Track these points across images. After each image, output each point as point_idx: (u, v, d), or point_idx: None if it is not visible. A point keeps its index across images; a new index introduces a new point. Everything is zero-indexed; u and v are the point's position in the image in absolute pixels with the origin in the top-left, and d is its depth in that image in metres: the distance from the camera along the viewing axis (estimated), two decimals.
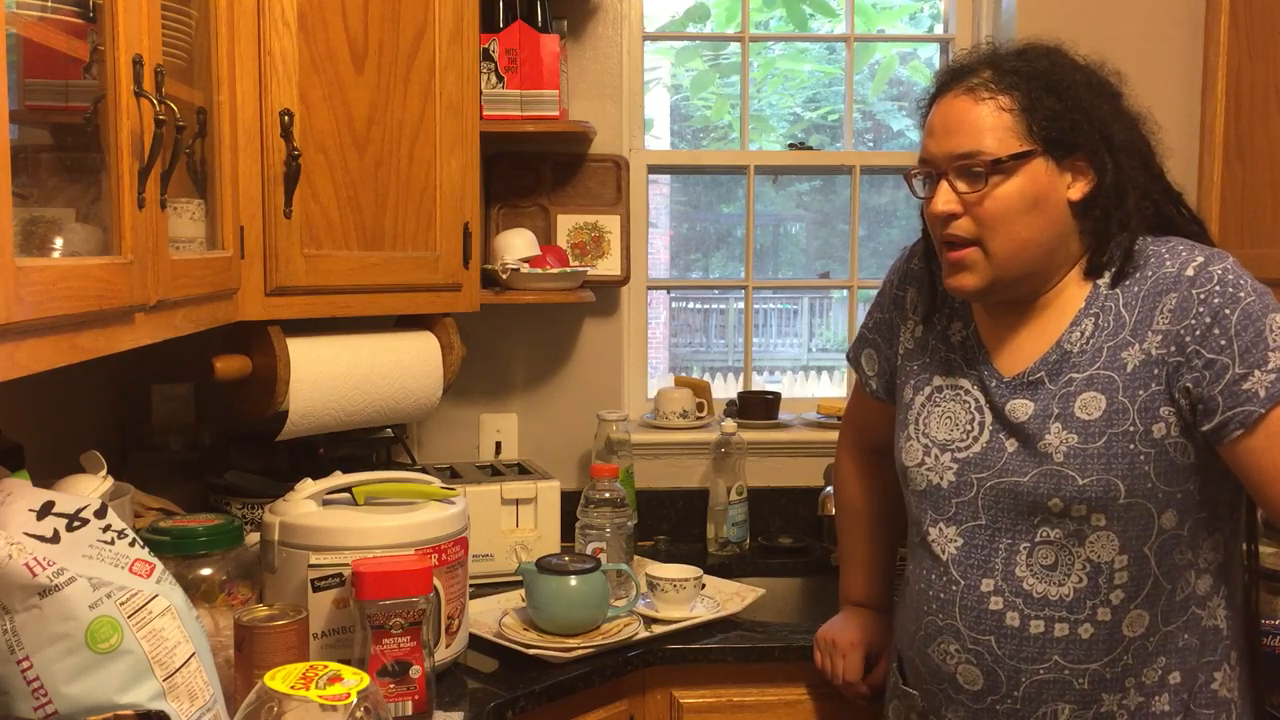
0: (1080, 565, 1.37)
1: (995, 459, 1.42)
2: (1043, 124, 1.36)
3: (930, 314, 1.56)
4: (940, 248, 1.44)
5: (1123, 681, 1.38)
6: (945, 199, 1.38)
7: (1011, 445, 1.41)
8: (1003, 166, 1.35)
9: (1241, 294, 1.31)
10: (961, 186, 1.38)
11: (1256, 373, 1.29)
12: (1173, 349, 1.33)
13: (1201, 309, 1.32)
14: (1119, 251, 1.39)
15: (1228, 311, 1.31)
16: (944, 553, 1.45)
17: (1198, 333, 1.31)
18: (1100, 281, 1.40)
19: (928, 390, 1.52)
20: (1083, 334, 1.40)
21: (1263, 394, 1.29)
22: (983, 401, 1.45)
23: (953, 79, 1.42)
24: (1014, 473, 1.40)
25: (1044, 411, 1.39)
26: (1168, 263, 1.37)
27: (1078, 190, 1.39)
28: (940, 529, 1.46)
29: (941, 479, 1.46)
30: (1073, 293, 1.42)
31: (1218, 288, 1.32)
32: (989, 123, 1.36)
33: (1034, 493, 1.38)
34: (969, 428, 1.46)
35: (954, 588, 1.44)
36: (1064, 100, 1.37)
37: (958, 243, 1.40)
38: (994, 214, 1.36)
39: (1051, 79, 1.38)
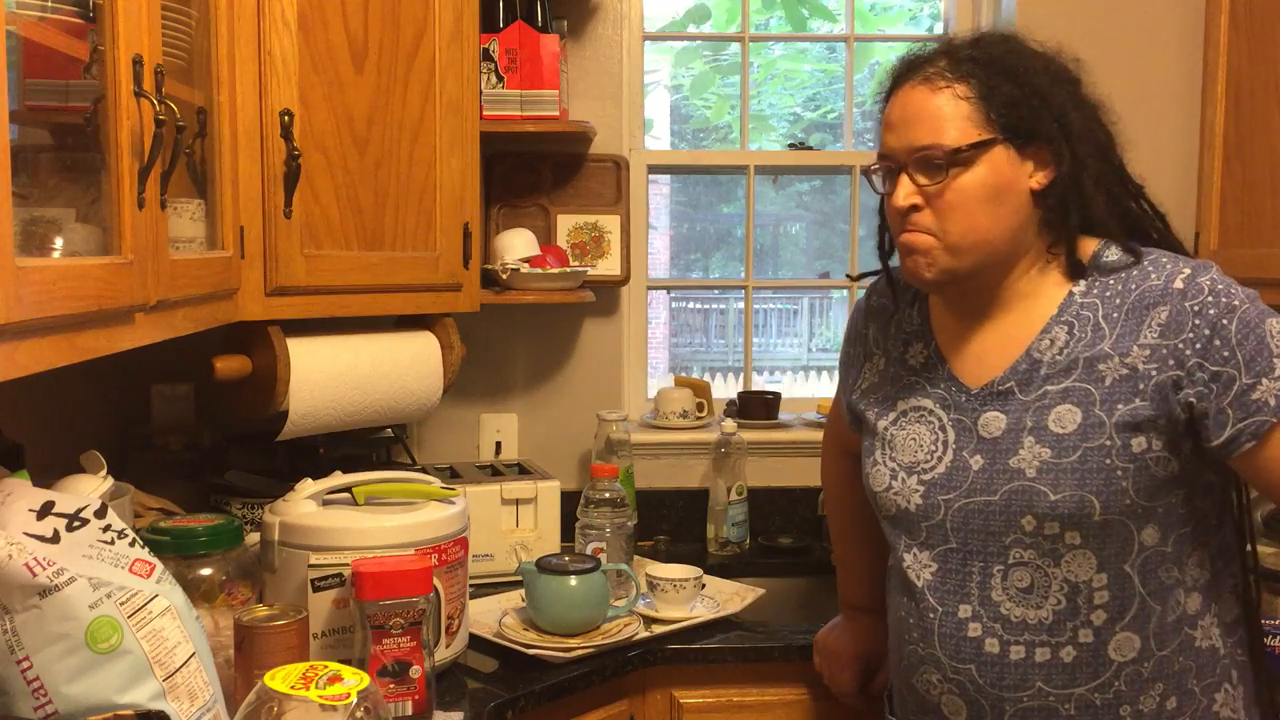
0: (1058, 586, 1.33)
1: (961, 479, 1.38)
2: (1001, 111, 1.33)
3: (891, 318, 1.54)
4: (899, 242, 1.40)
5: (1117, 710, 1.34)
6: (906, 192, 1.35)
7: (977, 463, 1.37)
8: (961, 157, 1.32)
9: (1235, 302, 1.29)
10: (921, 179, 1.34)
11: (1265, 381, 1.26)
12: (1170, 363, 1.29)
13: (1198, 321, 1.28)
14: (1107, 252, 1.36)
15: (1225, 322, 1.27)
16: (919, 579, 1.42)
17: (1198, 345, 1.28)
18: (1075, 289, 1.37)
19: (892, 415, 1.49)
20: (1053, 343, 1.36)
21: (1273, 403, 1.26)
22: (945, 421, 1.42)
23: (908, 70, 1.39)
24: (982, 491, 1.36)
25: (1017, 425, 1.35)
26: (1152, 275, 1.33)
27: (1039, 179, 1.36)
28: (914, 555, 1.43)
29: (909, 502, 1.43)
30: (1044, 296, 1.39)
31: (1210, 298, 1.29)
32: (947, 112, 1.33)
33: (1005, 511, 1.34)
34: (933, 448, 1.42)
35: (931, 615, 1.40)
36: (1021, 86, 1.34)
37: (917, 233, 1.36)
38: (954, 205, 1.33)
39: (1007, 64, 1.35)
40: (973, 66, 1.35)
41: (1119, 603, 1.33)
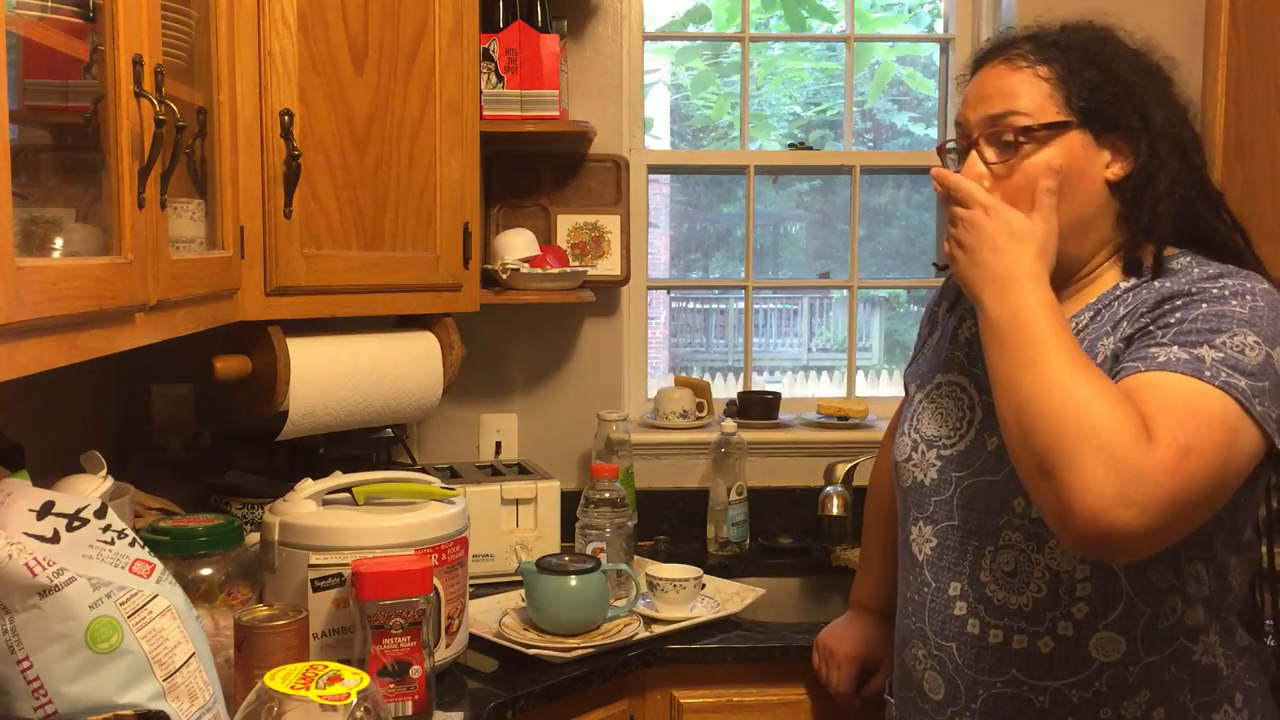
0: (1040, 574, 1.30)
1: (975, 458, 1.37)
2: (1081, 95, 1.30)
3: (960, 295, 1.51)
4: None
5: (1095, 710, 1.29)
6: (973, 168, 1.31)
7: (993, 443, 1.35)
8: (1035, 135, 1.29)
9: (1234, 302, 1.20)
10: (990, 155, 1.31)
11: (1175, 348, 1.17)
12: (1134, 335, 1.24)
13: (1180, 300, 1.23)
14: (1175, 260, 1.30)
15: (1205, 307, 1.20)
16: (920, 553, 1.41)
17: (1161, 313, 1.23)
18: (1123, 283, 1.32)
19: (928, 388, 1.48)
20: (1076, 326, 1.32)
21: (1161, 359, 1.17)
22: (976, 400, 1.40)
23: (993, 51, 1.37)
24: (989, 472, 1.34)
25: None
26: (1194, 272, 1.28)
27: (1116, 170, 1.31)
28: (919, 528, 1.42)
29: (925, 476, 1.42)
30: (1095, 287, 1.35)
31: (1214, 290, 1.22)
32: (1024, 88, 1.31)
33: (1003, 491, 1.32)
34: (958, 425, 1.40)
35: (926, 590, 1.40)
36: (1104, 73, 1.31)
37: None
38: (1023, 188, 1.29)
39: (1092, 51, 1.33)
40: (1056, 50, 1.33)
41: (1102, 598, 1.28)
